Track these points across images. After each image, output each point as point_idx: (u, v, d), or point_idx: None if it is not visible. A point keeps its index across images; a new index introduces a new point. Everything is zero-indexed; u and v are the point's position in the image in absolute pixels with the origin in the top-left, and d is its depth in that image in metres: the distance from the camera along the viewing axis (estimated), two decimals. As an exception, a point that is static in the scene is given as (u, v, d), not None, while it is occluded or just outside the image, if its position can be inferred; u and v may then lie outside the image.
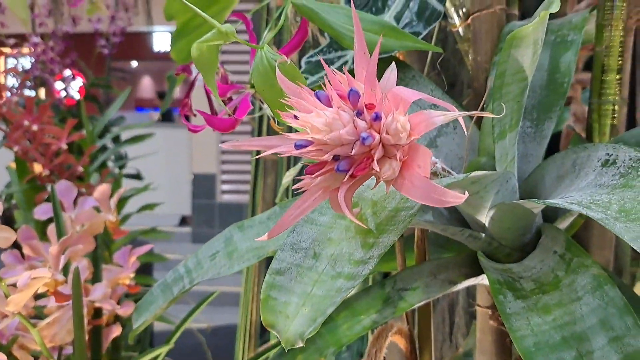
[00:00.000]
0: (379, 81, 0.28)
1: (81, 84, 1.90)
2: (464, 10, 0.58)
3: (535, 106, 0.48)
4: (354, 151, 0.25)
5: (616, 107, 0.50)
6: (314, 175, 0.25)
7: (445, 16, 0.62)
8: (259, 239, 0.28)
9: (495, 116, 0.26)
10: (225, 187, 3.94)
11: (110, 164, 1.71)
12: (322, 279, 0.28)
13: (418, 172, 0.26)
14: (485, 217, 0.41)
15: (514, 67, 0.33)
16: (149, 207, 1.43)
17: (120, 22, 1.83)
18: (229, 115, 0.42)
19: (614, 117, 0.50)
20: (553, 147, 0.72)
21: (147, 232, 1.34)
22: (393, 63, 0.29)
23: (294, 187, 0.25)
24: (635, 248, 0.26)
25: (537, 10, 0.70)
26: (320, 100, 0.26)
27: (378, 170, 0.24)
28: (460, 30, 0.58)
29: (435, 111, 0.26)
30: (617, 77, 0.50)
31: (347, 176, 0.25)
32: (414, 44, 0.39)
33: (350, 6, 0.54)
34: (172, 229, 4.15)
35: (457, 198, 0.26)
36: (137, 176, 1.70)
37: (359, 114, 0.25)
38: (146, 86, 7.96)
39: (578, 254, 0.34)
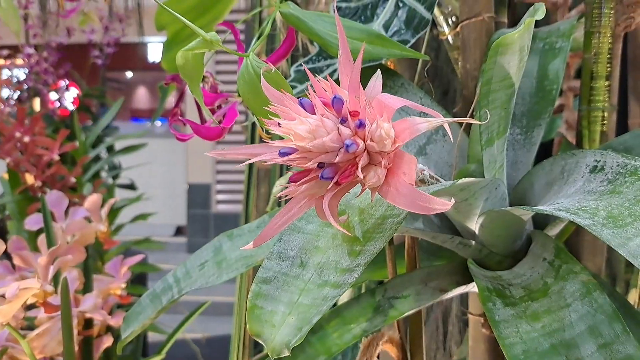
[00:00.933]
0: (364, 89, 0.28)
1: (75, 95, 1.90)
2: (453, 18, 0.58)
3: (525, 113, 0.48)
4: (338, 158, 0.25)
5: (605, 114, 0.50)
6: (298, 183, 0.25)
7: (436, 24, 0.62)
8: (245, 247, 0.28)
9: (482, 123, 0.26)
10: (220, 197, 3.93)
11: (104, 174, 1.71)
12: (309, 287, 0.28)
13: (403, 179, 0.26)
14: (475, 225, 0.41)
15: (500, 74, 0.33)
16: (142, 217, 1.42)
17: (114, 33, 1.83)
18: (219, 123, 0.42)
19: (604, 124, 0.50)
20: (546, 155, 0.72)
21: (141, 242, 1.33)
22: (378, 70, 0.29)
23: (279, 194, 0.25)
24: (622, 254, 0.26)
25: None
26: (304, 108, 0.26)
27: (362, 177, 0.24)
28: (450, 38, 0.58)
29: (419, 118, 0.26)
30: (606, 83, 0.50)
31: (331, 184, 0.25)
32: (401, 51, 0.39)
33: (341, 15, 0.55)
34: (168, 239, 4.13)
35: (443, 205, 0.26)
36: (130, 186, 1.70)
37: (343, 121, 0.25)
38: (141, 97, 7.96)
39: (567, 260, 0.33)
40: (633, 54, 0.77)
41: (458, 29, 0.55)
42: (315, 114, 0.25)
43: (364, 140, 0.26)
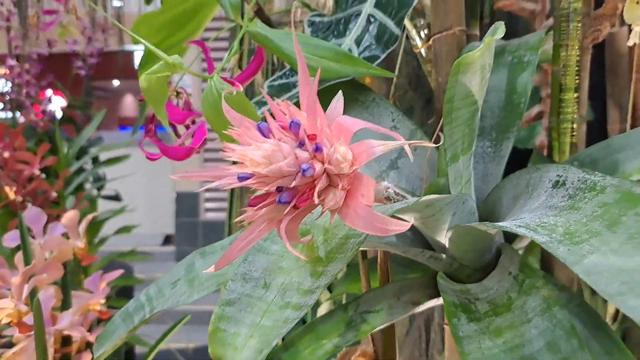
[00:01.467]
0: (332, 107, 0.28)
1: (62, 104, 1.89)
2: (426, 32, 0.59)
3: (494, 127, 0.48)
4: (295, 183, 0.25)
5: (574, 125, 0.50)
6: (256, 208, 0.25)
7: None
8: (206, 271, 0.28)
9: (435, 145, 0.27)
10: (208, 205, 3.92)
11: (89, 186, 1.70)
12: (271, 309, 0.28)
13: (361, 201, 0.26)
14: (444, 239, 0.42)
15: (462, 92, 0.34)
16: (126, 229, 1.41)
17: (97, 44, 1.83)
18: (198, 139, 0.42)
19: (573, 135, 0.51)
20: (525, 163, 0.73)
21: (125, 254, 1.33)
22: (340, 92, 0.29)
23: (236, 220, 0.25)
24: (575, 272, 0.26)
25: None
26: (262, 132, 0.26)
27: (317, 202, 0.25)
28: (423, 51, 0.59)
29: (376, 141, 0.26)
30: (575, 95, 0.51)
31: (289, 208, 0.25)
32: (368, 69, 0.39)
33: (313, 32, 0.55)
34: (156, 248, 4.12)
35: (401, 226, 0.27)
36: (115, 197, 1.69)
37: (301, 144, 0.26)
38: (129, 105, 7.93)
39: (530, 275, 0.34)
40: (610, 61, 0.79)
41: (430, 42, 0.55)
42: (273, 138, 0.26)
43: (323, 163, 0.26)
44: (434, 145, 0.26)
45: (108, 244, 1.53)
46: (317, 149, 0.25)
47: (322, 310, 0.61)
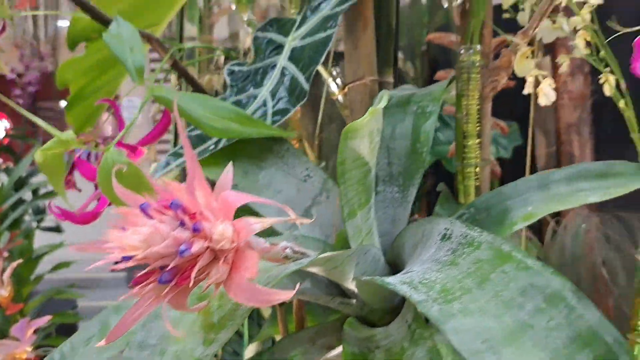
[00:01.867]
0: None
1: (6, 126, 1.85)
2: (342, 80, 0.61)
3: (402, 173, 0.51)
4: (174, 263, 0.26)
5: (477, 170, 0.54)
6: (140, 286, 0.27)
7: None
8: (98, 344, 0.29)
9: (309, 221, 0.29)
10: (160, 228, 3.85)
11: (28, 217, 1.65)
12: (164, 377, 0.29)
13: (244, 274, 0.28)
14: (352, 286, 0.44)
15: (352, 155, 0.36)
16: (64, 265, 1.38)
17: (34, 72, 1.80)
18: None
19: (477, 178, 0.54)
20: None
21: (61, 292, 1.29)
22: (230, 164, 0.31)
23: (122, 298, 0.27)
24: (444, 331, 0.28)
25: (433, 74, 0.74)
26: (145, 212, 0.27)
27: (194, 283, 0.26)
28: (340, 98, 0.61)
29: (254, 218, 0.28)
30: (477, 141, 0.54)
31: (170, 286, 0.26)
32: (269, 131, 0.41)
33: (232, 81, 0.57)
34: (106, 274, 4.00)
35: (283, 295, 0.28)
36: (56, 229, 1.65)
37: (182, 224, 0.27)
38: (77, 126, 7.74)
39: (420, 324, 0.36)
40: (536, 90, 0.83)
41: (345, 90, 0.58)
42: (154, 218, 0.27)
43: (205, 240, 0.28)
44: (307, 221, 0.28)
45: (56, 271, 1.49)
46: (196, 229, 0.27)
47: (248, 353, 0.62)
